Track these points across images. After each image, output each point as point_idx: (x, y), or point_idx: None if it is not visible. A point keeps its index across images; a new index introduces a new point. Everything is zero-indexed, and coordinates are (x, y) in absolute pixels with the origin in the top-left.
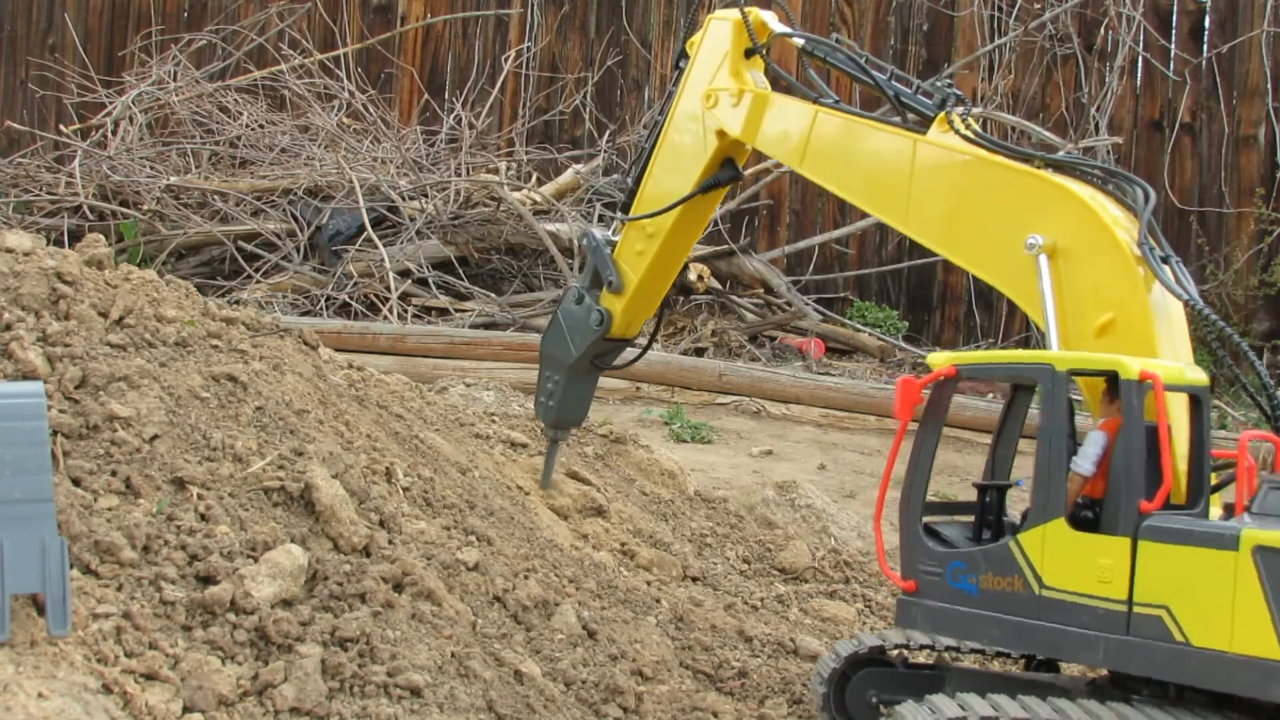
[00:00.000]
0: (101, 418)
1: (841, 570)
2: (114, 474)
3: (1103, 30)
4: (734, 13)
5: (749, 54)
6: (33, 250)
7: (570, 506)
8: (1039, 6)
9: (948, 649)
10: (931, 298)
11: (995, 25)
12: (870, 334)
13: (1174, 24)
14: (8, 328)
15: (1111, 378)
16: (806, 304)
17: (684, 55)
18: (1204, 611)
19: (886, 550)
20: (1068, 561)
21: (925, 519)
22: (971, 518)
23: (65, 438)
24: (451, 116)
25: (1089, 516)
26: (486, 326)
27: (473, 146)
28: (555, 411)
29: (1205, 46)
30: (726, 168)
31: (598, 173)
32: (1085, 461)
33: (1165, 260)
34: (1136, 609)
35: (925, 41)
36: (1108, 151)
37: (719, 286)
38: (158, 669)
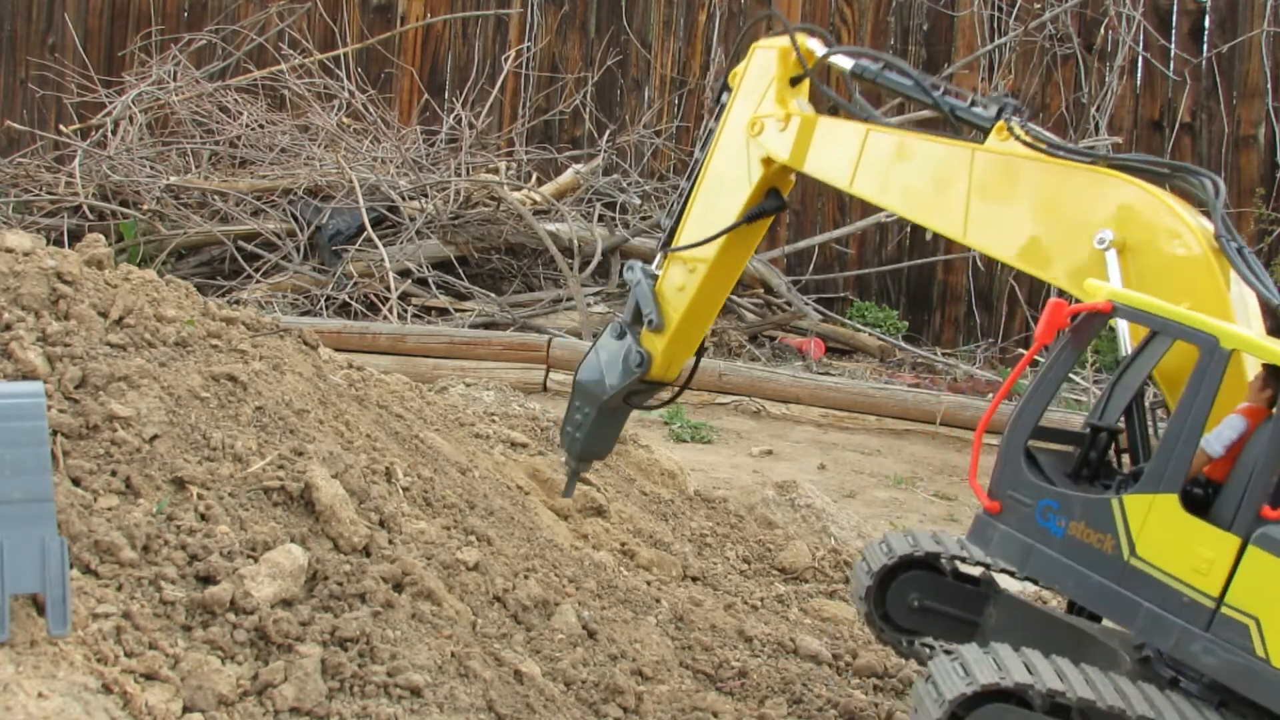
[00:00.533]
0: (101, 418)
1: (841, 570)
2: (114, 474)
3: (1103, 30)
4: (779, 41)
5: (795, 82)
6: (33, 250)
7: (570, 506)
8: (1039, 6)
9: (1000, 570)
10: (931, 298)
11: (995, 25)
12: (870, 334)
13: (1174, 24)
14: (8, 328)
15: (1271, 369)
16: (806, 304)
17: (726, 88)
18: None
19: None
20: (1168, 538)
21: (1032, 443)
22: (1073, 449)
23: (65, 438)
24: (451, 116)
25: (1200, 496)
26: (486, 326)
27: (473, 146)
28: (581, 444)
29: (1205, 46)
30: (771, 197)
31: (598, 173)
32: (1217, 443)
33: (1240, 251)
34: (1225, 610)
35: (925, 41)
36: (1108, 150)
37: None
38: (158, 669)
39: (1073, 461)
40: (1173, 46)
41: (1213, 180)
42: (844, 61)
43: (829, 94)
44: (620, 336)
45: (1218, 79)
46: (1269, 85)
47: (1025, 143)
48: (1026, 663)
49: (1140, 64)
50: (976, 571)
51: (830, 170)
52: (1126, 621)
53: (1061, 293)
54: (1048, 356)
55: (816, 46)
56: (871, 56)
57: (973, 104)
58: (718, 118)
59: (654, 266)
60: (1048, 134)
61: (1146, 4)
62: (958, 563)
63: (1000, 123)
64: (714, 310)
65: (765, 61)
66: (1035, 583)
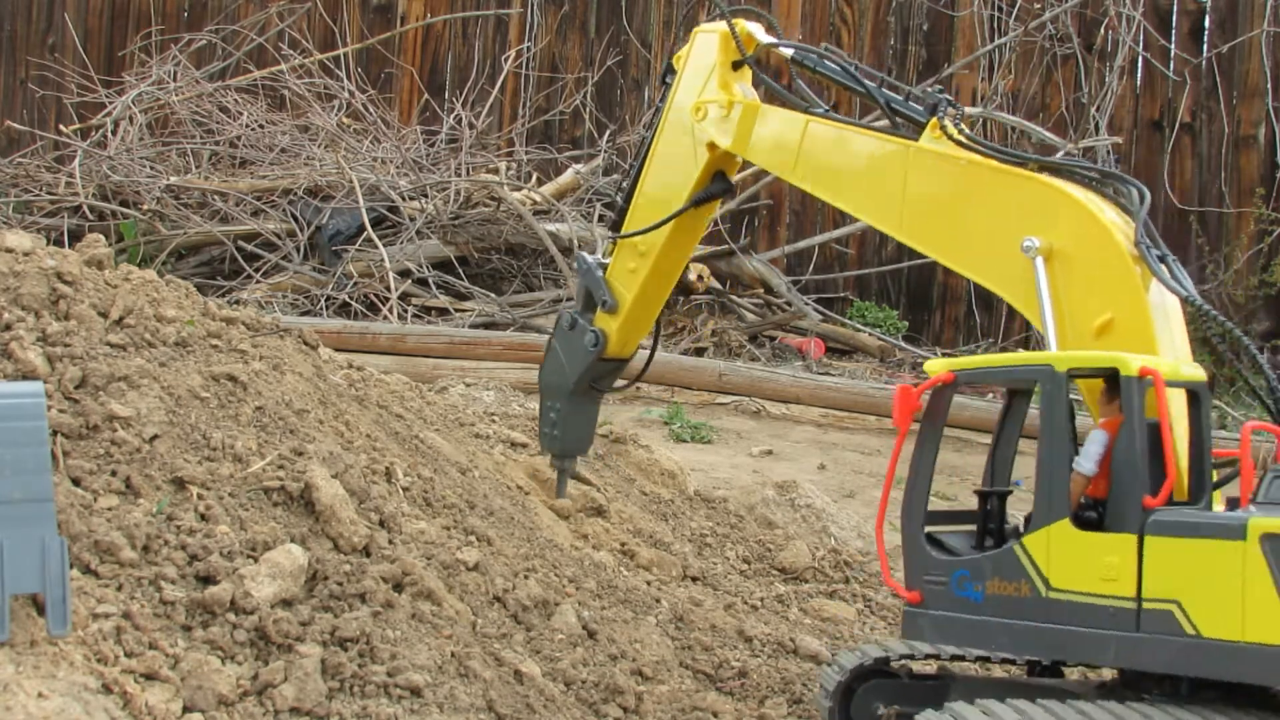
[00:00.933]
0: (101, 418)
1: (841, 570)
2: (114, 474)
3: (1103, 30)
4: (721, 25)
5: (737, 66)
6: (33, 250)
7: (570, 506)
8: (1039, 6)
9: (953, 658)
10: (931, 298)
11: (995, 25)
12: (870, 334)
13: (1174, 24)
14: (8, 328)
15: (1111, 376)
16: (806, 304)
17: (671, 70)
18: (1214, 603)
19: (888, 555)
20: (1074, 562)
21: (928, 528)
22: (974, 525)
23: (65, 438)
24: (451, 116)
25: (1093, 516)
26: (486, 326)
27: (473, 146)
28: (560, 441)
29: (1205, 46)
30: (718, 180)
31: (598, 173)
32: (1088, 461)
33: (1162, 259)
34: (1146, 605)
35: (925, 41)
36: (1108, 151)
37: (719, 286)
38: (158, 669)
39: (975, 535)
40: (1173, 46)
41: (1139, 189)
42: (785, 50)
43: (768, 82)
44: (572, 326)
45: (1218, 79)
46: (1269, 85)
47: (957, 141)
48: (985, 709)
49: (1140, 64)
50: (932, 667)
51: (771, 159)
52: (1065, 654)
53: (915, 366)
54: (916, 439)
55: (759, 32)
56: (810, 48)
57: (908, 98)
58: (664, 99)
59: (602, 254)
60: (976, 136)
61: (1146, 4)
62: (909, 663)
63: (934, 119)
64: (667, 287)
65: (707, 45)
66: (987, 660)
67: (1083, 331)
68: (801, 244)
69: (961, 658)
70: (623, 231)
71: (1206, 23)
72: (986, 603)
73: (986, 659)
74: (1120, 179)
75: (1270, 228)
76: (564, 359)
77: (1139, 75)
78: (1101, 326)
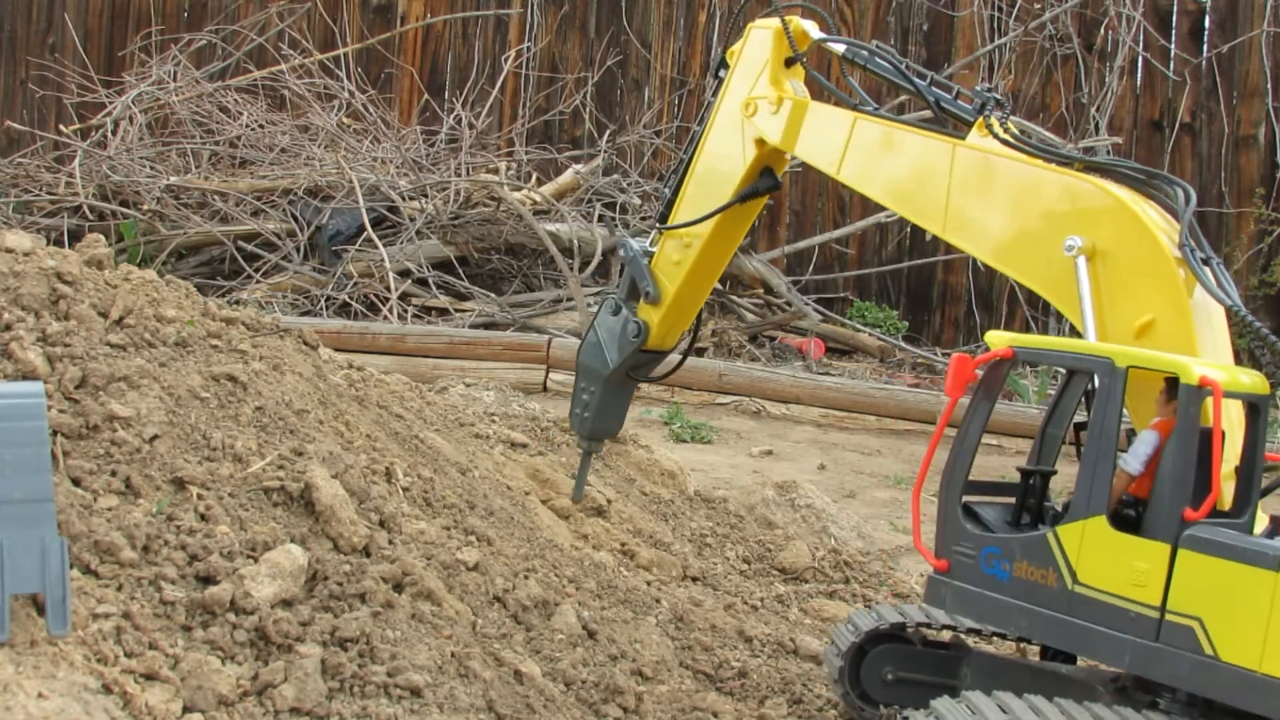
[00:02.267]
0: (101, 418)
1: (841, 570)
2: (114, 474)
3: (1103, 30)
4: (775, 21)
5: (789, 63)
6: (33, 250)
7: (570, 506)
8: (1039, 6)
9: (968, 631)
10: (931, 298)
11: (995, 25)
12: (870, 334)
13: (1174, 24)
14: (8, 328)
15: (1171, 380)
16: (806, 304)
17: (724, 64)
18: (1237, 627)
19: (922, 527)
20: (1104, 560)
21: (966, 499)
22: (1012, 500)
23: (65, 438)
24: (451, 116)
25: (1131, 516)
26: (486, 326)
27: (473, 146)
28: (590, 423)
29: (1205, 46)
30: (765, 176)
31: (598, 173)
32: (1134, 460)
33: (1206, 262)
34: (1169, 617)
35: (925, 41)
36: (1108, 151)
37: (719, 286)
38: (158, 669)
39: (1012, 510)
40: (1173, 46)
41: (1185, 189)
42: (837, 46)
43: (818, 78)
44: (616, 313)
45: (1218, 79)
46: (1269, 85)
47: (1003, 140)
48: (1003, 704)
49: (1140, 64)
50: (946, 637)
51: (819, 155)
52: (1082, 649)
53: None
54: (965, 410)
55: (813, 29)
56: (863, 45)
57: (957, 96)
58: (715, 93)
59: (649, 243)
60: (1034, 127)
61: (1146, 4)
62: (924, 630)
63: (980, 118)
64: (710, 282)
65: (761, 41)
66: (1003, 637)
67: (1122, 332)
68: (801, 244)
69: (978, 632)
70: (669, 224)
71: (1206, 23)
72: (1012, 583)
73: (1001, 635)
74: (1166, 179)
75: (1270, 228)
76: (604, 344)
77: (1139, 75)
78: (1142, 328)
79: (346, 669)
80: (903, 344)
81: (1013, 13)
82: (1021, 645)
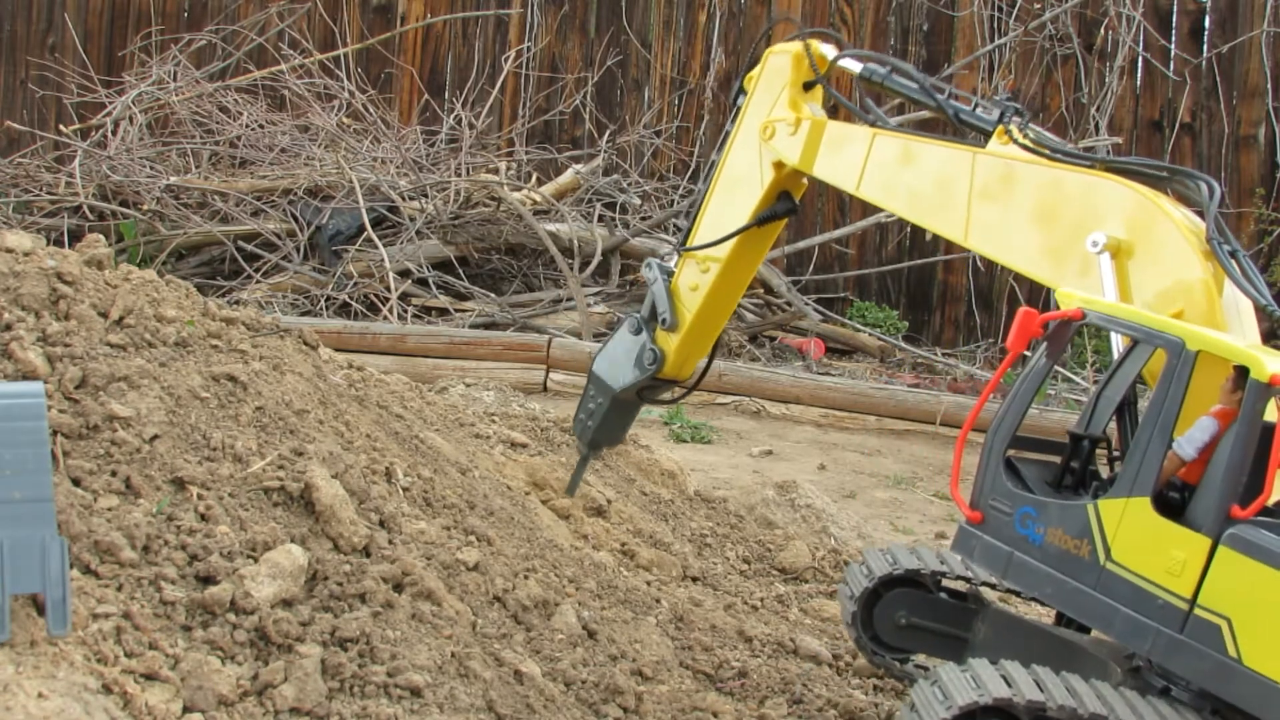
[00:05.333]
0: (101, 418)
1: (841, 570)
2: (114, 474)
3: (1103, 30)
4: (793, 46)
5: (808, 86)
6: (33, 250)
7: (570, 506)
8: (1039, 6)
9: (984, 583)
10: (931, 298)
11: (995, 25)
12: (870, 334)
13: (1174, 24)
14: (8, 328)
15: (1240, 370)
16: (806, 304)
17: (741, 91)
18: (1265, 635)
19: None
20: (1142, 542)
21: (1011, 454)
22: (1057, 460)
23: (65, 438)
24: (451, 116)
25: (1176, 500)
26: (486, 326)
27: (473, 146)
28: (593, 432)
29: (1205, 46)
30: (783, 200)
31: (598, 173)
32: (1189, 445)
33: (1233, 254)
34: (1198, 611)
35: (925, 41)
36: (1108, 151)
37: None
38: (158, 669)
39: (1055, 471)
40: (1173, 46)
41: (1209, 184)
42: (853, 65)
43: (841, 100)
44: (637, 332)
45: (1218, 79)
46: (1269, 85)
47: (1024, 146)
48: (1009, 675)
49: (1140, 64)
50: (962, 587)
51: (838, 174)
52: (1104, 626)
53: (1045, 299)
54: (1022, 365)
55: (829, 52)
56: (879, 60)
57: (976, 107)
58: (733, 120)
59: (671, 264)
60: (1050, 136)
61: (1146, 4)
62: (941, 578)
63: (1000, 126)
64: (727, 311)
65: (779, 66)
66: (1018, 594)
67: None
68: (801, 244)
69: (993, 585)
70: (687, 247)
71: (1206, 23)
72: (1043, 548)
73: (1017, 592)
74: (1189, 174)
75: (1270, 228)
76: (620, 363)
77: (1139, 75)
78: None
79: (346, 669)
80: (903, 344)
81: (1013, 13)
82: (1039, 607)
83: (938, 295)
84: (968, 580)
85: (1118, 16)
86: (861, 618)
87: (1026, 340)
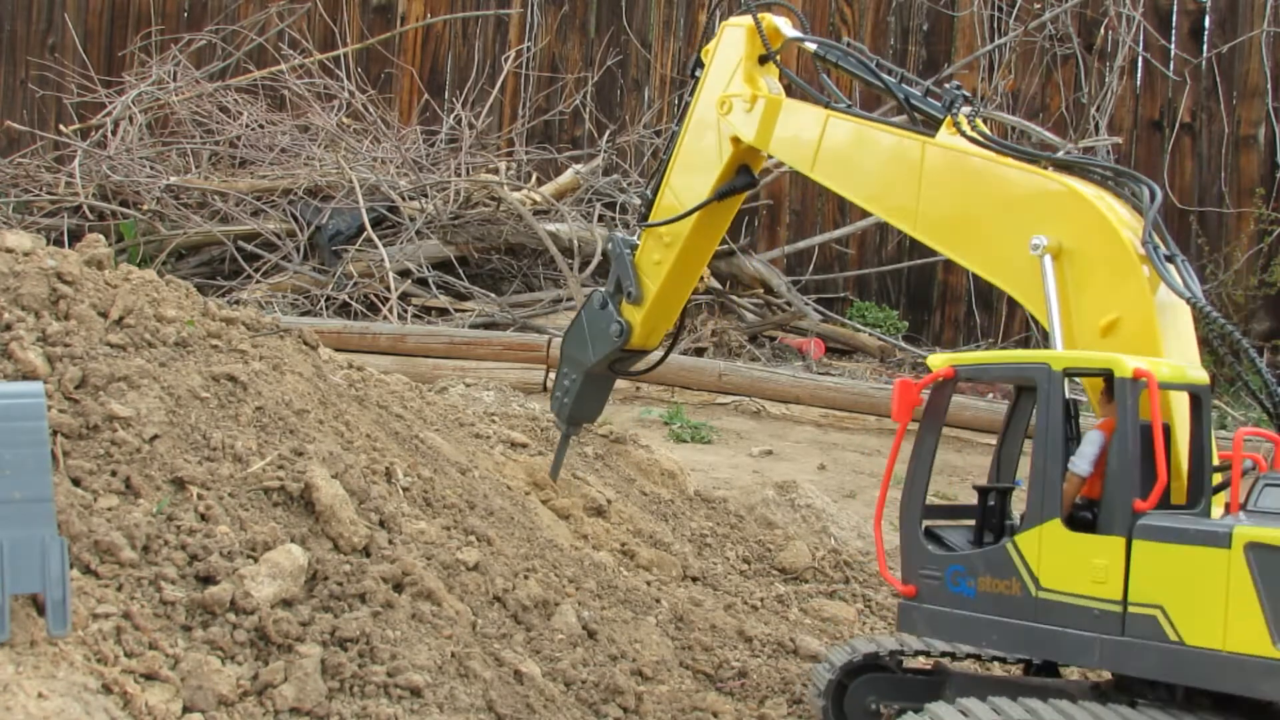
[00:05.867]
0: (101, 418)
1: (841, 570)
2: (114, 474)
3: (1103, 30)
4: (748, 19)
5: (763, 60)
6: (33, 250)
7: (570, 506)
8: (1039, 6)
9: (944, 654)
10: (931, 298)
11: (995, 25)
12: (870, 334)
13: (1174, 24)
14: (8, 328)
15: (1108, 376)
16: (806, 304)
17: (699, 63)
18: (1198, 611)
19: (887, 552)
20: (1064, 562)
21: (926, 523)
22: (973, 521)
23: (65, 438)
24: (451, 116)
25: (1088, 517)
26: (486, 326)
27: (473, 146)
28: (570, 409)
29: (1205, 46)
30: (742, 174)
31: (597, 173)
32: (1083, 461)
33: (1170, 259)
34: (1131, 609)
35: (925, 41)
36: (1108, 151)
37: (719, 286)
38: (158, 669)
39: (974, 529)
40: (1173, 46)
41: (1150, 187)
42: (809, 44)
43: (791, 76)
44: (603, 306)
45: (1218, 79)
46: (1269, 85)
47: (969, 138)
48: (963, 709)
49: (1140, 64)
50: (923, 662)
51: (793, 154)
52: (1053, 653)
53: (915, 366)
54: (917, 434)
55: (785, 26)
56: (834, 44)
57: (928, 94)
58: (692, 92)
59: (635, 237)
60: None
61: (1146, 4)
62: (900, 656)
63: (949, 117)
64: (690, 281)
65: (734, 39)
66: (978, 657)
67: (1088, 331)
68: (801, 244)
69: (953, 655)
70: (648, 222)
71: (1206, 23)
72: (978, 599)
73: (978, 656)
74: (1134, 177)
75: (1270, 228)
76: (588, 338)
77: (1139, 75)
78: (1107, 326)
79: (346, 669)
80: (903, 344)
81: (1013, 13)
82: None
83: (938, 295)
84: (925, 653)
85: (1118, 16)
86: (833, 712)
87: (910, 410)
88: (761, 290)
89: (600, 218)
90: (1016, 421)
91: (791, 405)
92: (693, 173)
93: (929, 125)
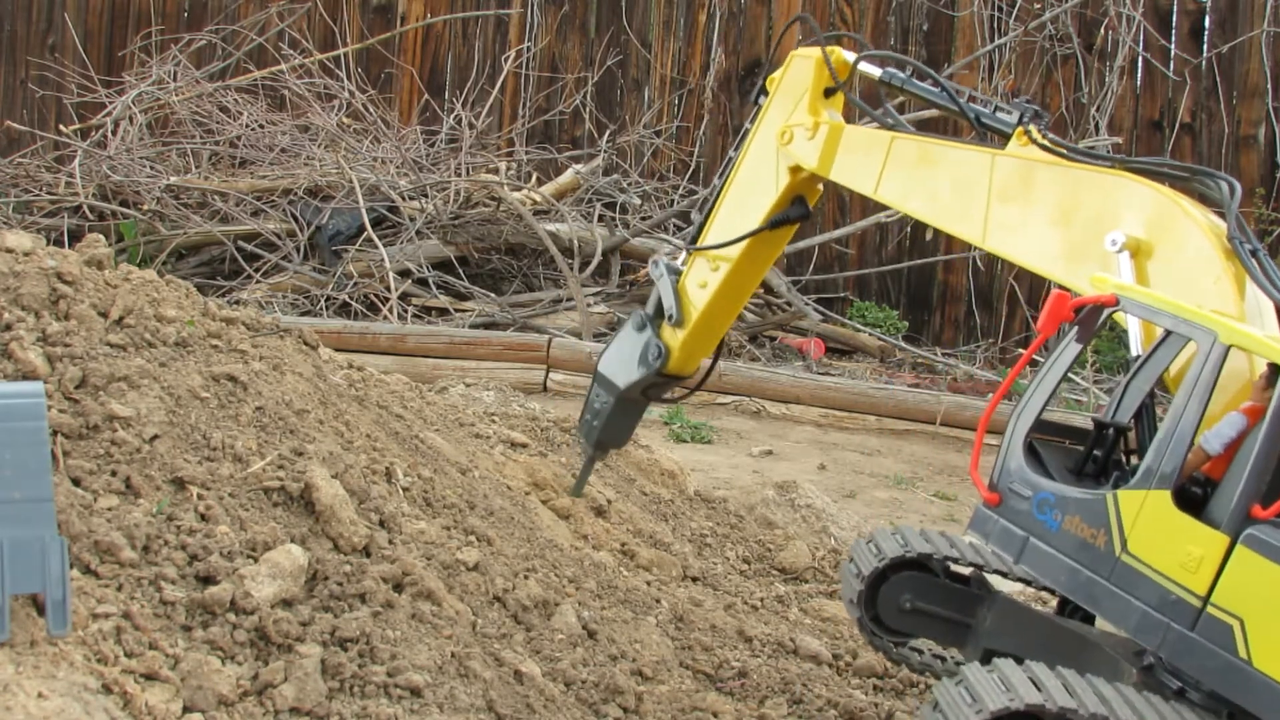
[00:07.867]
0: (101, 418)
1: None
2: (114, 474)
3: (1103, 30)
4: (816, 51)
5: (829, 93)
6: (33, 250)
7: (570, 506)
8: (1039, 6)
9: (995, 570)
10: (931, 298)
11: (995, 25)
12: (870, 334)
13: (1174, 24)
14: (8, 328)
15: (1273, 367)
16: (806, 304)
17: (763, 91)
18: (1277, 638)
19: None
20: (1159, 535)
21: (1034, 437)
22: (1081, 447)
23: (65, 438)
24: (451, 116)
25: (1198, 494)
26: (486, 326)
27: (473, 146)
28: (598, 433)
29: (1205, 46)
30: (797, 205)
31: (598, 173)
32: (1216, 440)
33: (1254, 254)
34: (1211, 609)
35: (925, 41)
36: (1108, 151)
37: None
38: (158, 669)
39: (1078, 458)
40: (1173, 46)
41: (1229, 183)
42: (872, 70)
43: (862, 106)
44: (641, 329)
45: (1218, 79)
46: (1269, 85)
47: (1043, 147)
48: (1038, 679)
49: (1140, 64)
50: (968, 572)
51: (856, 177)
52: (1117, 619)
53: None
54: (1049, 351)
55: (849, 57)
56: (897, 62)
57: (996, 110)
58: (753, 120)
59: (679, 262)
60: (1063, 141)
61: (1146, 4)
62: (949, 563)
63: (1020, 128)
64: (734, 310)
65: (801, 71)
66: (1027, 583)
67: None
68: (801, 244)
69: (1004, 573)
70: (698, 245)
71: (1206, 23)
72: (1059, 535)
73: (1027, 582)
74: (1209, 174)
75: (1270, 228)
76: (624, 360)
77: (1139, 75)
78: None
79: (346, 669)
80: (903, 344)
81: (1013, 13)
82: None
83: (938, 295)
84: (978, 566)
85: (1118, 16)
86: (866, 598)
87: (1057, 324)
88: (761, 290)
89: (600, 218)
90: (1156, 360)
91: (791, 405)
92: (747, 200)
93: (996, 142)
